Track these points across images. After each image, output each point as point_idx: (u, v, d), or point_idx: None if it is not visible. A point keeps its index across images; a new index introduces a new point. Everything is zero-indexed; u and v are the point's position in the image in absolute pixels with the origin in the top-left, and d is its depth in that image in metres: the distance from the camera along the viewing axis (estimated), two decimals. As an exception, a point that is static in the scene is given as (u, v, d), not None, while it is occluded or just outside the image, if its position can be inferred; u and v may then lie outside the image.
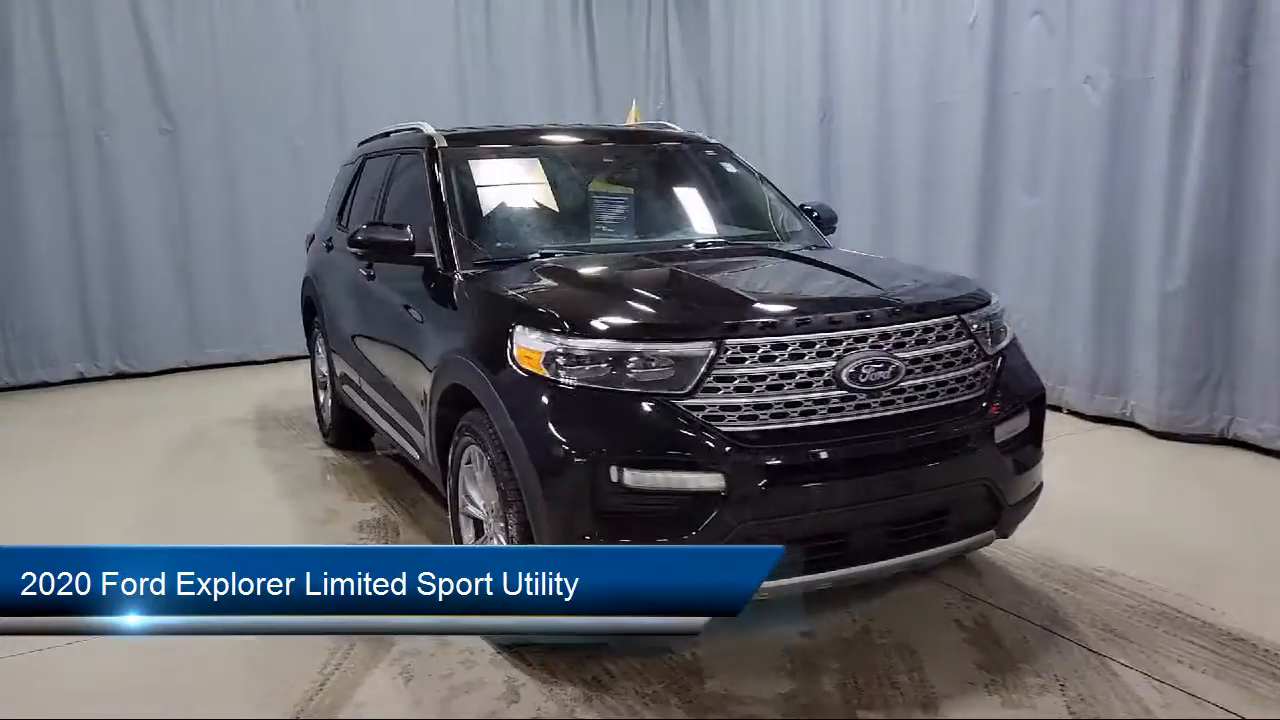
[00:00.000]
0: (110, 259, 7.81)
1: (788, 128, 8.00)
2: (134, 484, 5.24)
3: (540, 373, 2.96)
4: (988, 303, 3.31)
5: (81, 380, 7.86)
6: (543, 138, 4.55)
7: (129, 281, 7.89)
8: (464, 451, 3.41)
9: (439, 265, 3.78)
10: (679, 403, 2.83)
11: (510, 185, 4.10)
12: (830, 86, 7.53)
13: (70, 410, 7.02)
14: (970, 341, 3.17)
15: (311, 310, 5.94)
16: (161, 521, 4.67)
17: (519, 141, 4.51)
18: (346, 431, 5.61)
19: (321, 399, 5.95)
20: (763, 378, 2.85)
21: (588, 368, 2.89)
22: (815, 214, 4.57)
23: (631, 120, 6.72)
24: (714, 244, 4.07)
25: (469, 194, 4.01)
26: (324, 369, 5.83)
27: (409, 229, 3.86)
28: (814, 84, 7.65)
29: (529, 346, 3.00)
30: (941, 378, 3.07)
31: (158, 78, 7.82)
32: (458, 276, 3.66)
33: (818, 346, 2.91)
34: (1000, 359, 3.28)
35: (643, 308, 3.12)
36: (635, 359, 2.85)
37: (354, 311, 4.84)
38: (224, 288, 8.25)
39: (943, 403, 3.07)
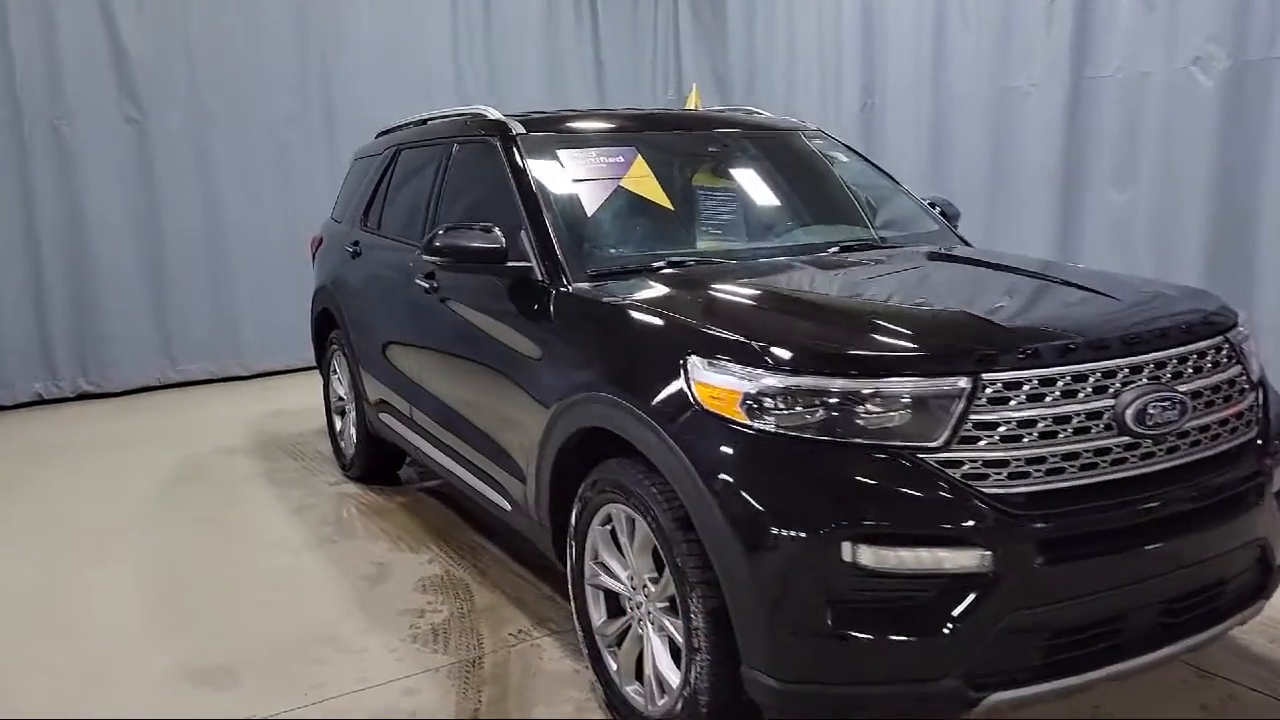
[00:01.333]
0: (70, 265, 6.92)
1: (822, 117, 7.35)
2: (127, 532, 4.45)
3: (735, 417, 2.29)
4: (1237, 318, 2.73)
5: (41, 403, 6.96)
6: (633, 124, 3.86)
7: (92, 290, 7.00)
8: (598, 510, 2.73)
9: (540, 277, 3.09)
10: (929, 457, 2.19)
11: (608, 180, 3.40)
12: (874, 70, 6.93)
13: (34, 439, 6.14)
14: (1239, 368, 2.58)
15: (327, 324, 5.17)
16: (171, 585, 3.90)
17: (610, 129, 3.81)
18: (374, 464, 4.87)
19: (339, 425, 5.19)
20: (1032, 423, 2.22)
21: (805, 411, 2.23)
22: (940, 210, 3.96)
23: (691, 106, 6.04)
24: (860, 246, 3.43)
25: (565, 191, 3.32)
26: (341, 391, 5.08)
27: (498, 233, 3.16)
28: (854, 67, 7.04)
29: (718, 384, 2.33)
30: (1222, 415, 2.47)
31: (123, 59, 6.94)
32: (568, 291, 2.98)
33: (1091, 380, 2.29)
34: (1261, 388, 2.70)
35: (874, 334, 2.46)
36: (872, 400, 2.20)
37: (402, 328, 4.11)
38: (200, 296, 7.40)
39: (1223, 447, 2.47)
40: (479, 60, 8.32)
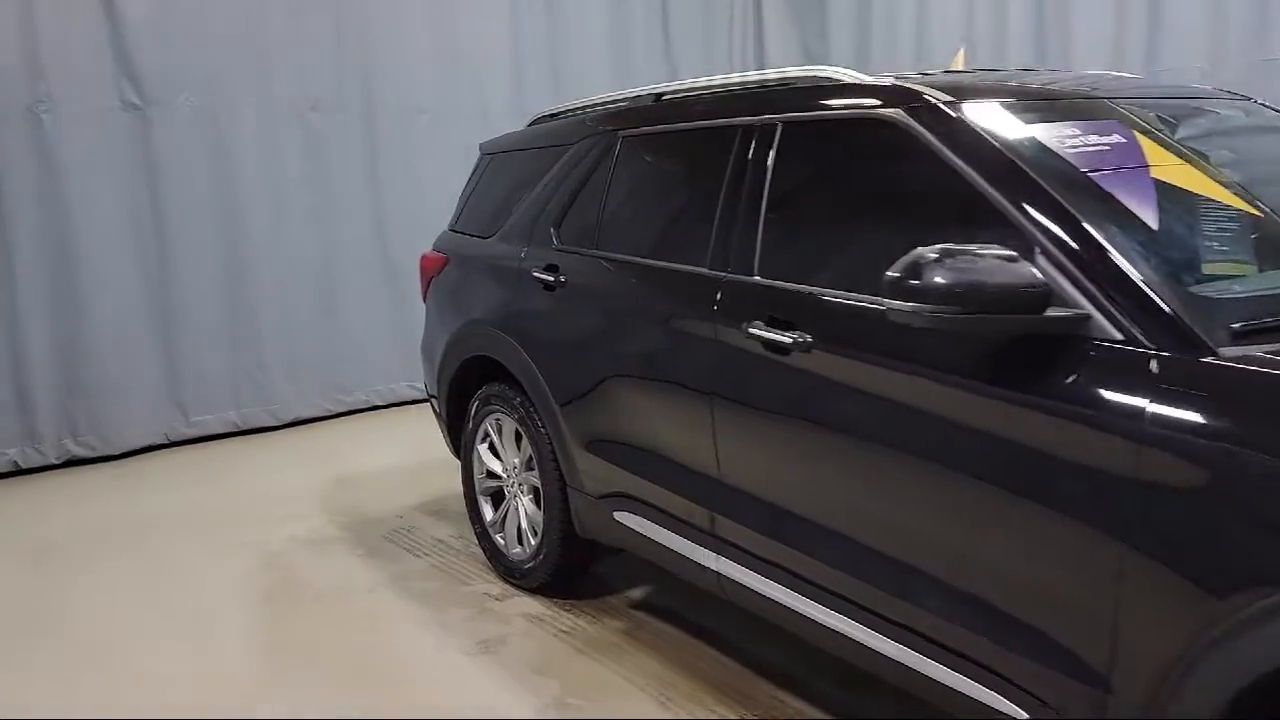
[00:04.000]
0: (52, 291, 5.32)
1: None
2: (234, 711, 3.01)
3: None
4: None
5: (18, 473, 5.34)
6: (1098, 92, 2.61)
7: (81, 323, 5.41)
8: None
9: (1116, 336, 1.82)
10: None
11: (1134, 173, 2.16)
12: (1052, 32, 5.81)
13: (18, 531, 4.54)
14: None
15: (471, 375, 3.79)
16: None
17: (1079, 100, 2.54)
18: (569, 571, 3.52)
19: (492, 515, 3.81)
20: None
21: None
22: None
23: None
24: None
25: (1099, 195, 2.06)
26: (497, 466, 3.72)
27: (1025, 264, 1.89)
28: (1027, 26, 5.91)
29: None
30: None
31: (121, 29, 5.37)
32: (1215, 364, 1.72)
33: None
34: None
35: None
36: None
37: (693, 397, 2.74)
38: (217, 328, 5.86)
39: None
40: (538, 29, 6.94)
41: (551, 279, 3.29)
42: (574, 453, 3.21)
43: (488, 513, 3.86)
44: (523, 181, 3.73)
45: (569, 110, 3.74)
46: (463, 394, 3.90)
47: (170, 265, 5.66)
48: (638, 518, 3.00)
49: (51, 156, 5.23)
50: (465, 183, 4.28)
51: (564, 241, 3.33)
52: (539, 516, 3.51)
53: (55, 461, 5.42)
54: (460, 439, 3.98)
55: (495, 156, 4.05)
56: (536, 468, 3.46)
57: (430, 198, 6.37)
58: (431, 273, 4.17)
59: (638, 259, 2.99)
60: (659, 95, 3.22)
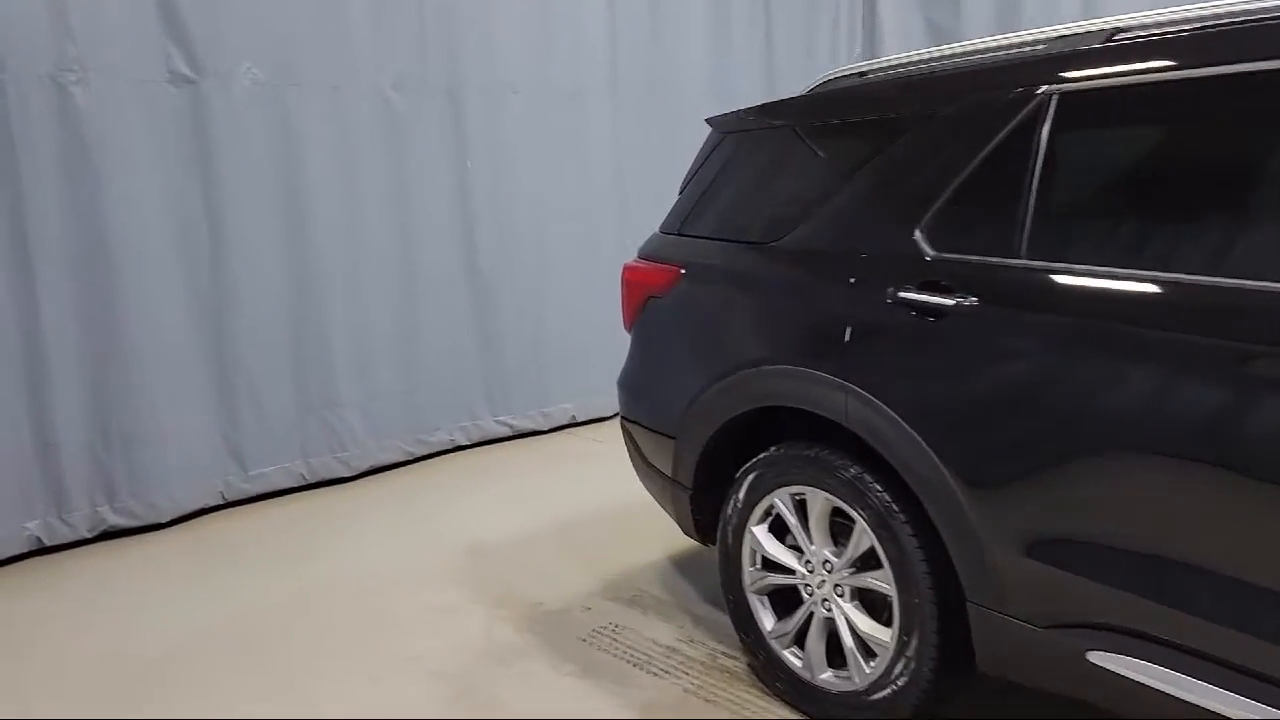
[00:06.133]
0: (83, 312, 4.12)
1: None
2: None
3: None
4: None
5: (42, 551, 4.13)
6: None
7: (118, 352, 4.22)
8: None
9: None
10: None
11: None
12: None
13: (71, 648, 3.37)
14: None
15: (736, 438, 2.76)
16: None
17: None
18: (929, 706, 2.49)
19: (773, 624, 2.77)
20: None
21: None
22: None
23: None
24: None
25: None
26: (788, 558, 2.70)
27: None
28: None
29: None
30: None
31: (170, -14, 4.22)
32: None
33: None
34: None
35: None
36: None
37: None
38: (280, 354, 4.70)
39: None
40: (638, 8, 5.90)
41: (936, 302, 2.26)
42: (993, 556, 2.18)
43: (766, 619, 2.81)
44: (822, 167, 2.70)
45: (903, 66, 2.72)
46: (723, 456, 2.85)
47: (226, 278, 4.48)
48: (1150, 665, 1.99)
49: (83, 141, 4.03)
50: (690, 169, 3.23)
51: (944, 247, 2.31)
52: (882, 634, 2.48)
53: (88, 535, 4.22)
54: (714, 515, 2.93)
55: (749, 135, 3.01)
56: (888, 568, 2.42)
57: (523, 195, 5.32)
58: (652, 289, 3.12)
59: (1146, 272, 1.97)
60: (1112, 33, 2.21)
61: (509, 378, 5.53)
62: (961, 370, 2.20)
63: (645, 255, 3.24)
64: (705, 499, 2.98)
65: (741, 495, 2.79)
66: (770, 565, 2.78)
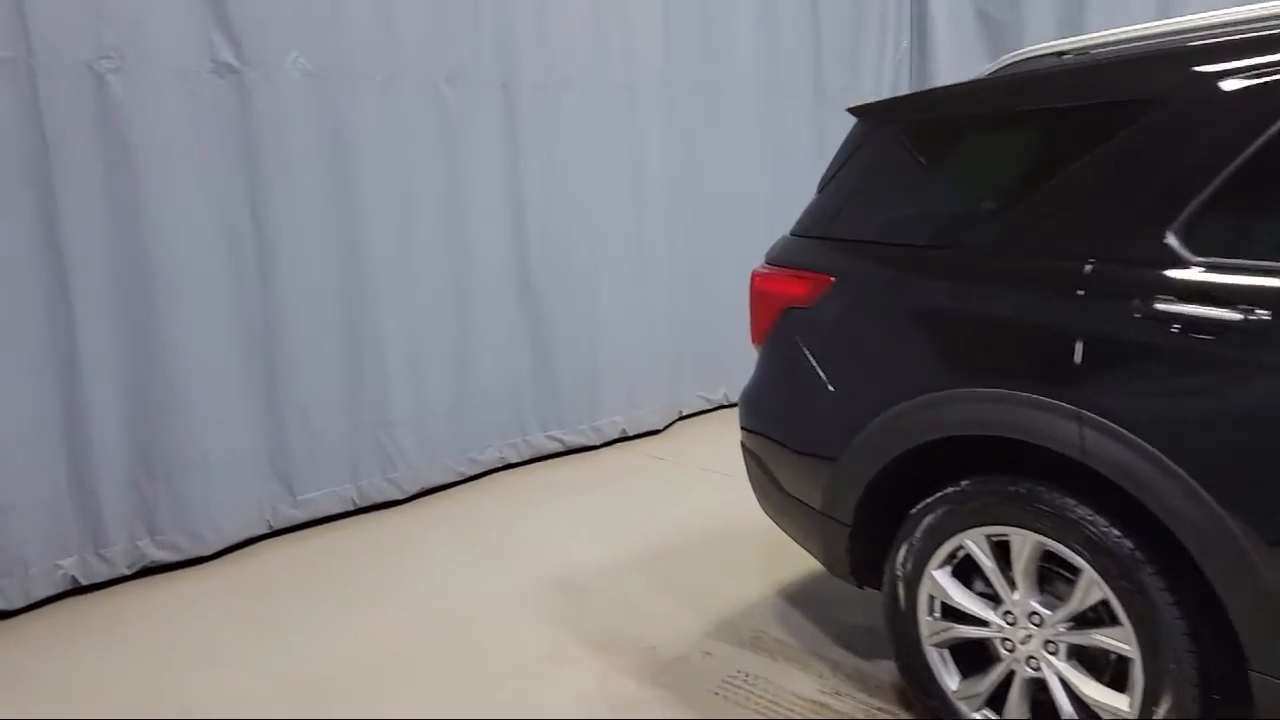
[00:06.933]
0: (122, 324, 3.72)
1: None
2: None
3: None
4: None
5: (78, 591, 3.73)
6: None
7: (159, 367, 3.82)
8: None
9: None
10: None
11: None
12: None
13: (106, 710, 2.97)
14: None
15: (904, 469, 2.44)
16: None
17: None
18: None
19: (959, 685, 2.44)
20: None
21: None
22: None
23: None
24: None
25: None
26: (985, 612, 2.37)
27: None
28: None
29: None
30: None
31: (213, -38, 3.83)
32: None
33: None
34: None
35: None
36: None
37: None
38: (330, 368, 4.32)
39: None
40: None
41: (1212, 316, 1.92)
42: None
43: (948, 677, 2.48)
44: (1018, 160, 2.38)
45: (1113, 44, 2.40)
46: (886, 489, 2.53)
47: (274, 287, 4.10)
48: None
49: (121, 138, 3.64)
50: (832, 166, 2.89)
51: (1209, 252, 1.98)
52: (1117, 702, 2.15)
53: (127, 572, 3.82)
54: (879, 555, 2.60)
55: (912, 126, 2.67)
56: (1127, 625, 2.09)
57: (574, 197, 4.99)
58: (793, 299, 2.78)
59: None
60: None
61: (561, 389, 5.18)
62: (1252, 399, 1.87)
63: (779, 261, 2.90)
64: (867, 537, 2.64)
65: (920, 534, 2.46)
66: (955, 615, 2.45)
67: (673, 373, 5.74)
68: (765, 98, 6.03)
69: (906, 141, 2.66)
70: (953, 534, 2.41)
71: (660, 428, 5.66)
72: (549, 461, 5.18)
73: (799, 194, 6.20)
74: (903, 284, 2.51)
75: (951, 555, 2.44)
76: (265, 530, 4.18)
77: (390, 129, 4.35)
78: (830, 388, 2.66)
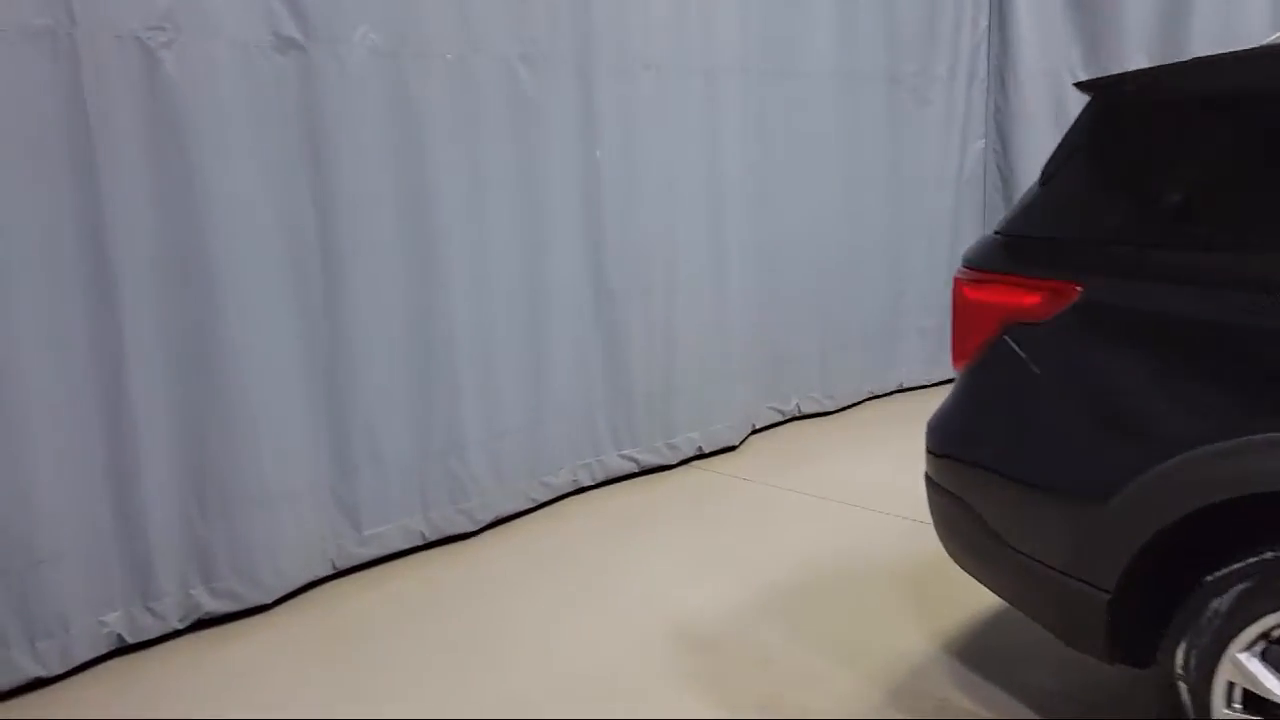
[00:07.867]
0: (174, 340, 3.19)
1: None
2: None
3: None
4: None
5: (122, 652, 3.20)
6: None
7: (214, 390, 3.29)
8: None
9: None
10: None
11: None
12: None
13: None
14: None
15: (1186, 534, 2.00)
16: None
17: None
18: None
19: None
20: None
21: None
22: None
23: None
24: None
25: None
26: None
27: None
28: None
29: None
30: None
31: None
32: None
33: None
34: None
35: None
36: None
37: None
38: (399, 388, 3.81)
39: None
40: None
41: None
42: None
43: (1253, 782, 2.02)
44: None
45: None
46: (1166, 554, 2.07)
47: (339, 298, 3.59)
48: None
49: (173, 121, 3.11)
50: (1059, 152, 2.42)
51: None
52: None
53: (179, 626, 3.30)
54: (1150, 631, 2.14)
55: (1173, 106, 2.20)
56: None
57: (652, 192, 4.53)
58: (1018, 312, 2.31)
59: None
60: None
61: (634, 402, 4.69)
62: None
63: (994, 267, 2.43)
64: (1131, 608, 2.18)
65: (1224, 609, 1.99)
66: (1264, 706, 1.99)
67: (746, 381, 5.25)
68: (841, 81, 5.56)
69: (1166, 125, 2.19)
70: (1270, 611, 1.94)
71: (735, 444, 5.19)
72: (623, 483, 4.70)
73: (870, 185, 5.77)
74: (1197, 296, 2.04)
75: (1263, 635, 1.98)
76: (329, 571, 3.68)
77: (463, 116, 3.84)
78: (1092, 421, 2.19)
